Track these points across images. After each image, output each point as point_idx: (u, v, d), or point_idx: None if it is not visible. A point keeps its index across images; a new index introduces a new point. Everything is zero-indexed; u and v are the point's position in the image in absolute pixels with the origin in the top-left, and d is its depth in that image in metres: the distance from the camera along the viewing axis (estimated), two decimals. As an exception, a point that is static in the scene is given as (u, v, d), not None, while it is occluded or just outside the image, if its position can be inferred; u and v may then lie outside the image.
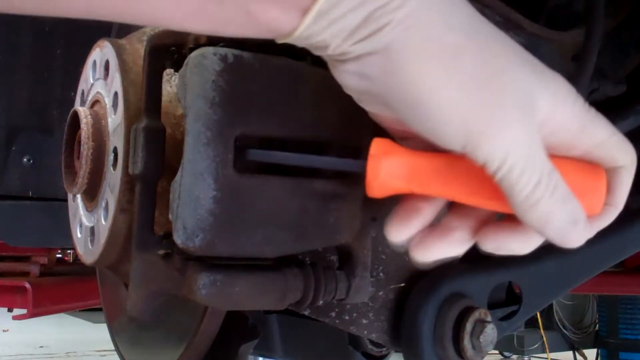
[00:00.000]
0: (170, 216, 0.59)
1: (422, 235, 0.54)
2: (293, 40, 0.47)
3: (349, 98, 0.52)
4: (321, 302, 0.68)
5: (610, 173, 0.52)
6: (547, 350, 5.43)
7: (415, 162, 0.51)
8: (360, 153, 0.54)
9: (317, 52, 0.49)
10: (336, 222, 0.63)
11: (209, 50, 0.59)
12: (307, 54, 0.51)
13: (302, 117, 0.61)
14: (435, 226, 0.54)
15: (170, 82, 0.76)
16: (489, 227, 0.53)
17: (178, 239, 0.58)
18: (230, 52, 0.60)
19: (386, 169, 0.51)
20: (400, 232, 0.54)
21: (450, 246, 0.53)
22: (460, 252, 0.54)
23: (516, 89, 0.46)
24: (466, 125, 0.45)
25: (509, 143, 0.45)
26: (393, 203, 0.59)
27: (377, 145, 0.52)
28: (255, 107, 0.60)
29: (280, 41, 0.48)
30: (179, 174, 0.58)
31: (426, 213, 0.54)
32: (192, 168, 0.57)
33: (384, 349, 1.07)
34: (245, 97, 0.59)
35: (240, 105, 0.59)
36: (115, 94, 0.79)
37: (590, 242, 0.96)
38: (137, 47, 0.82)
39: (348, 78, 0.48)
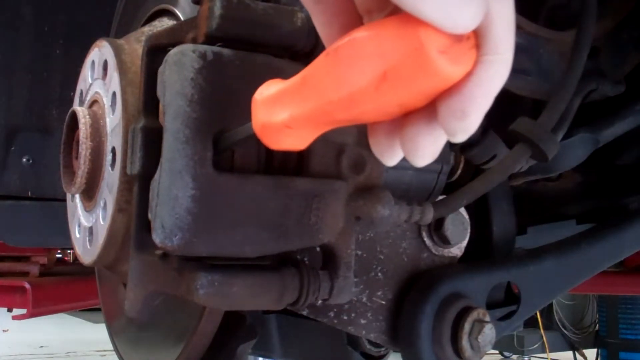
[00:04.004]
0: (149, 215, 0.59)
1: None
2: None
3: None
4: (318, 302, 0.67)
5: None
6: (547, 350, 5.42)
7: (286, 88, 0.45)
8: (344, 150, 0.51)
9: None
10: (318, 222, 0.63)
11: (188, 47, 0.59)
12: (288, 51, 0.48)
13: None
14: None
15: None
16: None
17: (156, 238, 0.57)
18: (209, 49, 0.59)
19: (263, 107, 0.46)
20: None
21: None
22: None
23: None
24: None
25: None
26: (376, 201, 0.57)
27: (260, 88, 0.47)
28: (235, 105, 0.59)
29: None
30: (157, 172, 0.58)
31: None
32: (171, 166, 0.56)
33: (383, 349, 1.07)
34: (225, 94, 0.59)
35: (220, 103, 0.58)
36: (114, 93, 0.79)
37: (590, 242, 0.97)
38: (135, 47, 0.82)
39: None
